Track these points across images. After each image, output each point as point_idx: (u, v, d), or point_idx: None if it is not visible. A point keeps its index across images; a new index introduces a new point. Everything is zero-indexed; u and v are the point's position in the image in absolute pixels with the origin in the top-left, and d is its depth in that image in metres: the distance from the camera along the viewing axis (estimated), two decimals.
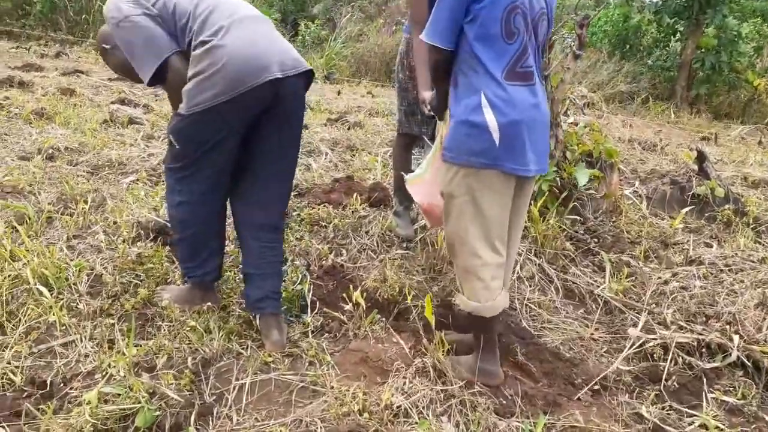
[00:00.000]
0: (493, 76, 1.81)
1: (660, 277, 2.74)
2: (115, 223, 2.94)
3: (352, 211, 3.22)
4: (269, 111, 2.12)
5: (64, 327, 2.19)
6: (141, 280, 2.50)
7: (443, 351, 2.15)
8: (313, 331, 2.33)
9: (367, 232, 3.09)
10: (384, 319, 2.41)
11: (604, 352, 2.48)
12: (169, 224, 2.80)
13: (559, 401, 2.10)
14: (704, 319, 2.40)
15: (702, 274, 2.76)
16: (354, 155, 4.48)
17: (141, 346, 2.12)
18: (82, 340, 2.15)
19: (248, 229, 2.29)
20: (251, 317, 2.31)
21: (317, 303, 2.49)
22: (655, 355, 2.31)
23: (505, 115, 1.80)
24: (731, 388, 2.18)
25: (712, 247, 3.33)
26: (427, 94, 2.54)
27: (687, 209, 3.60)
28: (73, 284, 2.40)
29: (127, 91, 6.56)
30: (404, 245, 3.02)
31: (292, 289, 2.51)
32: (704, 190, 3.68)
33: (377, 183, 3.60)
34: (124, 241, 2.77)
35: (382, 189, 3.49)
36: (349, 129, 5.49)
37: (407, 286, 2.64)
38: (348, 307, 2.32)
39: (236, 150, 2.17)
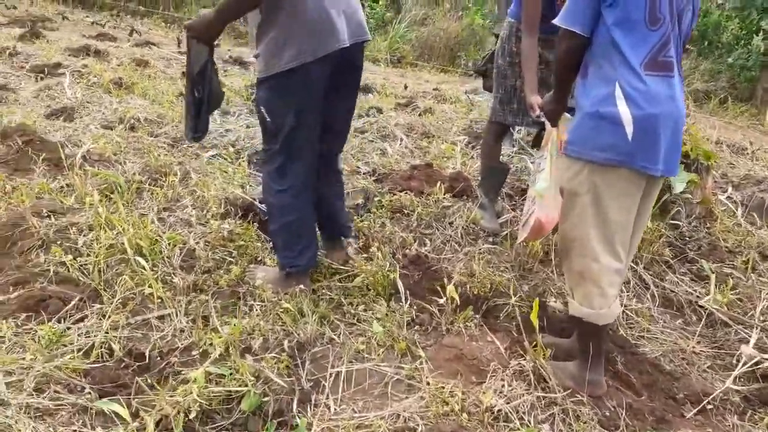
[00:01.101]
0: (631, 66, 1.69)
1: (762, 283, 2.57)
2: (202, 198, 2.94)
3: (435, 201, 3.13)
4: (341, 71, 2.18)
5: (159, 300, 2.20)
6: (233, 257, 2.49)
7: (544, 355, 2.06)
8: (404, 323, 2.26)
9: (450, 223, 3.00)
10: (477, 316, 2.32)
11: (707, 367, 2.34)
12: (259, 205, 2.79)
13: (667, 418, 1.99)
14: None
15: None
16: (430, 142, 4.38)
17: (235, 325, 2.10)
18: (177, 315, 2.15)
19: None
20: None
21: (407, 293, 2.42)
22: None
23: (641, 108, 1.68)
24: None
25: None
26: (535, 99, 2.44)
27: None
28: (167, 257, 2.41)
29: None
30: (490, 239, 2.92)
31: (379, 272, 2.43)
32: None
33: (458, 172, 3.51)
34: (212, 217, 2.77)
35: (464, 179, 3.40)
36: (420, 115, 5.38)
37: (497, 283, 2.55)
38: (442, 300, 2.24)
39: (321, 114, 2.22)
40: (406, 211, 3.07)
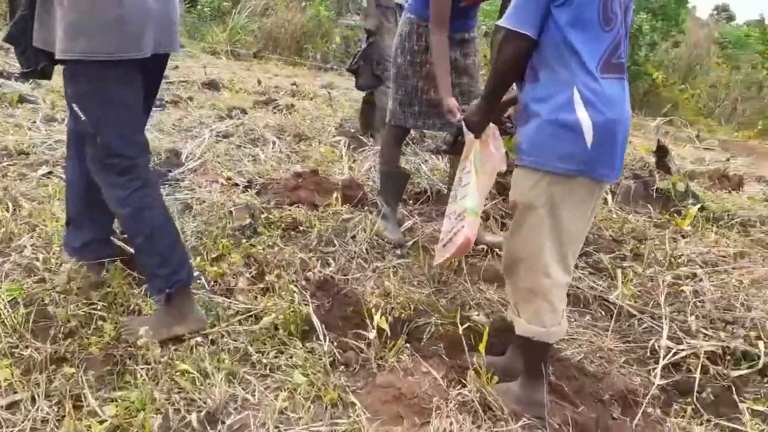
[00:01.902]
0: (588, 69, 1.55)
1: (663, 280, 2.66)
2: (44, 233, 2.35)
3: (333, 213, 2.84)
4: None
5: (6, 382, 1.66)
6: (100, 311, 1.98)
7: (488, 380, 1.89)
8: (327, 366, 1.96)
9: (353, 238, 2.74)
10: (407, 345, 2.09)
11: (623, 362, 2.35)
12: (121, 232, 2.28)
13: (611, 426, 1.93)
14: (723, 324, 2.34)
15: (703, 274, 2.72)
16: (309, 144, 4.05)
17: (120, 402, 1.65)
18: (35, 400, 1.64)
19: None
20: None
21: (321, 327, 2.11)
22: (688, 367, 2.21)
23: (602, 113, 1.55)
24: (759, 396, 2.13)
25: (677, 242, 3.35)
26: (453, 101, 2.26)
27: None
28: (9, 321, 1.84)
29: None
30: (397, 252, 2.71)
31: (290, 309, 2.11)
32: (667, 184, 3.71)
33: (351, 179, 3.25)
34: (58, 258, 2.21)
35: (357, 186, 3.14)
36: (283, 113, 5.01)
37: (415, 301, 2.34)
38: (371, 334, 1.97)
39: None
40: (301, 228, 2.74)
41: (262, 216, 2.83)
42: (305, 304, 2.18)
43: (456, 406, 1.84)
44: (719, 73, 10.28)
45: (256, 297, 2.25)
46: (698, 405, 2.07)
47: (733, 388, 2.12)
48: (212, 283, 2.29)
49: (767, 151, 8.39)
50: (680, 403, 2.11)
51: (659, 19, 10.69)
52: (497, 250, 2.76)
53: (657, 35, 10.60)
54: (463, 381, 1.95)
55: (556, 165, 1.58)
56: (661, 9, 10.76)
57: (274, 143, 3.95)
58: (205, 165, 3.45)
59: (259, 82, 7.11)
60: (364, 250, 2.67)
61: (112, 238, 2.22)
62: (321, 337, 2.04)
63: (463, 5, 2.48)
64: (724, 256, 3.14)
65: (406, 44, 2.56)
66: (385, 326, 1.99)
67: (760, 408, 2.05)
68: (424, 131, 4.16)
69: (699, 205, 3.53)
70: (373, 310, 2.11)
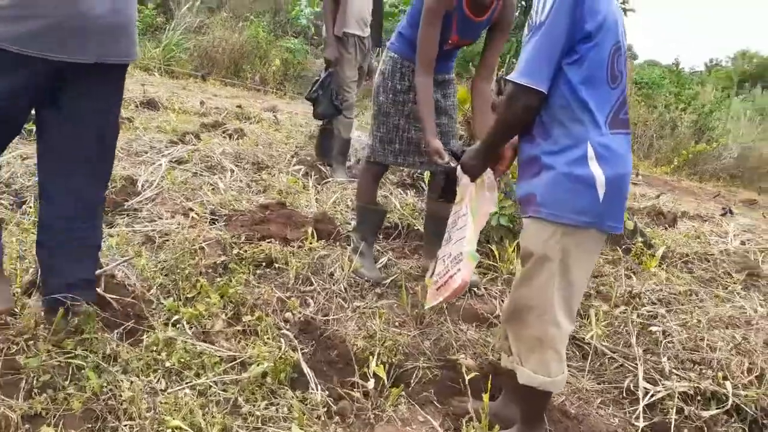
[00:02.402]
0: (599, 125, 1.60)
1: (632, 320, 2.77)
2: None
3: (308, 249, 2.75)
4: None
5: None
6: (76, 359, 1.80)
7: (486, 426, 1.88)
8: (323, 418, 1.88)
9: (331, 275, 2.66)
10: (402, 393, 2.04)
11: (600, 403, 2.41)
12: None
13: None
14: (692, 365, 2.46)
15: (666, 313, 2.85)
16: (271, 174, 3.93)
17: None
18: None
19: None
20: None
21: (312, 375, 2.03)
22: (663, 407, 2.29)
23: (612, 167, 1.60)
24: None
25: (632, 278, 3.51)
26: (438, 144, 2.27)
27: None
28: None
29: None
30: (377, 290, 2.66)
31: (279, 355, 2.01)
32: None
33: (323, 213, 3.17)
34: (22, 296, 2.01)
35: (329, 221, 3.08)
36: (234, 138, 4.86)
37: (401, 344, 2.30)
38: (370, 384, 1.91)
39: None
40: (276, 265, 2.64)
41: (233, 252, 2.70)
42: (293, 350, 2.09)
43: None
44: (638, 111, 10.98)
45: (239, 341, 2.13)
46: None
47: (705, 429, 2.22)
48: (187, 325, 2.15)
49: (683, 187, 9.04)
50: None
51: None
52: (475, 289, 2.78)
53: None
54: (460, 430, 1.93)
55: (571, 218, 1.61)
56: None
57: (232, 171, 3.81)
58: (162, 194, 3.27)
59: (202, 103, 6.89)
60: (343, 289, 2.61)
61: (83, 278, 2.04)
62: (313, 386, 1.96)
63: (447, 48, 2.52)
64: (675, 294, 3.32)
65: (389, 83, 2.56)
66: (383, 374, 1.94)
67: None
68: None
69: (643, 241, 3.72)
70: (369, 356, 2.06)
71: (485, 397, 1.85)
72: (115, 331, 2.04)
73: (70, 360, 1.77)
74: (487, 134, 1.83)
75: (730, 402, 2.27)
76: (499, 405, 2.07)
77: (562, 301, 1.70)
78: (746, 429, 2.24)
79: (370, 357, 2.15)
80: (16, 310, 1.96)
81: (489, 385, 1.85)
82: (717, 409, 2.27)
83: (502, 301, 2.77)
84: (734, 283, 3.68)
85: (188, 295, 2.33)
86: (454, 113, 2.70)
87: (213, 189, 3.52)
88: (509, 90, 1.65)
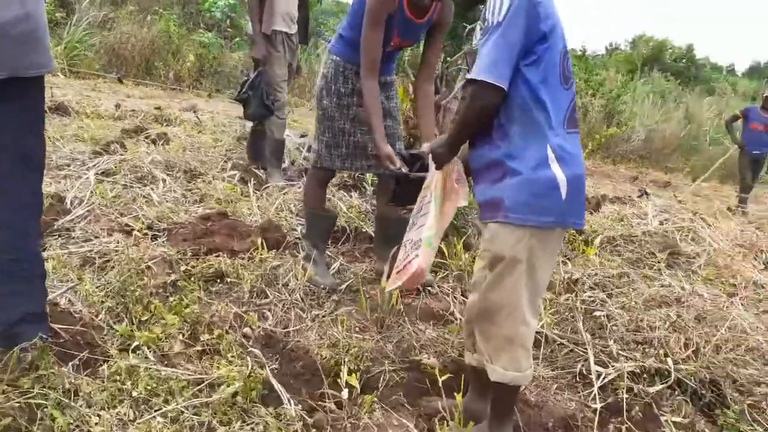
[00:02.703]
0: (556, 125, 1.67)
1: (576, 306, 2.91)
2: None
3: (260, 260, 2.69)
4: None
5: None
6: (35, 398, 1.68)
7: (460, 426, 1.93)
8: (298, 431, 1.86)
9: (285, 286, 2.62)
10: (375, 399, 2.05)
11: (556, 389, 2.53)
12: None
13: None
14: (636, 345, 2.63)
15: (606, 297, 3.02)
16: (205, 181, 3.79)
17: None
18: None
19: None
20: None
21: (283, 390, 2.00)
22: (613, 388, 2.43)
23: (571, 168, 1.68)
24: (674, 408, 2.42)
25: (567, 265, 3.70)
26: (389, 149, 2.27)
27: None
28: None
29: None
30: (333, 297, 2.65)
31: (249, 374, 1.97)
32: None
33: (269, 221, 3.10)
34: None
35: (276, 229, 3.02)
36: (160, 144, 4.64)
37: (365, 349, 2.31)
38: (344, 393, 1.91)
39: None
40: (228, 279, 2.56)
41: (181, 269, 2.60)
42: (260, 366, 2.05)
43: None
44: None
45: (201, 362, 2.07)
46: (630, 423, 2.29)
47: (653, 404, 2.39)
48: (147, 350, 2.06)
49: (600, 171, 9.58)
50: (614, 423, 2.31)
51: None
52: (429, 288, 2.83)
53: None
54: (434, 429, 1.97)
55: (539, 220, 1.68)
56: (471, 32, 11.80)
57: (164, 181, 3.65)
58: (94, 211, 3.08)
59: (118, 106, 6.52)
60: (300, 299, 2.58)
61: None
62: (286, 401, 1.93)
63: (389, 50, 2.52)
64: (609, 277, 3.52)
65: (332, 86, 2.54)
66: (355, 383, 1.94)
67: (678, 419, 2.33)
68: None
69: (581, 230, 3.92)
70: (335, 365, 2.05)
71: (458, 396, 1.90)
72: (70, 363, 1.92)
73: (29, 400, 1.65)
74: (452, 128, 1.86)
75: (672, 377, 2.45)
76: (467, 401, 2.12)
77: (529, 300, 1.77)
78: (688, 400, 2.43)
79: (337, 366, 2.15)
80: None
81: (461, 383, 1.89)
82: (661, 384, 2.44)
83: (455, 297, 2.84)
84: (659, 262, 3.95)
85: (141, 318, 2.22)
86: (398, 115, 2.72)
87: (147, 201, 3.36)
88: (470, 89, 1.68)
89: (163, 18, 11.03)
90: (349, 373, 1.98)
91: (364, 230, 3.24)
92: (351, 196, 3.63)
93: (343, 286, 2.73)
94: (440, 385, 1.98)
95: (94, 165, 3.62)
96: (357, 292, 2.68)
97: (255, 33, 4.21)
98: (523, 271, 1.72)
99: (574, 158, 1.71)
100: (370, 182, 3.78)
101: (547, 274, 1.81)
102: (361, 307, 2.54)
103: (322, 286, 2.68)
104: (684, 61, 24.69)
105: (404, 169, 2.17)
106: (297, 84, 10.42)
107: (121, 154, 3.90)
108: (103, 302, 2.32)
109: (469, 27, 3.77)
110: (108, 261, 2.64)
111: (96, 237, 2.82)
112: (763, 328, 2.91)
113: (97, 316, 2.26)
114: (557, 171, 1.65)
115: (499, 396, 1.93)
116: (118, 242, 2.76)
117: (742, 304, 3.22)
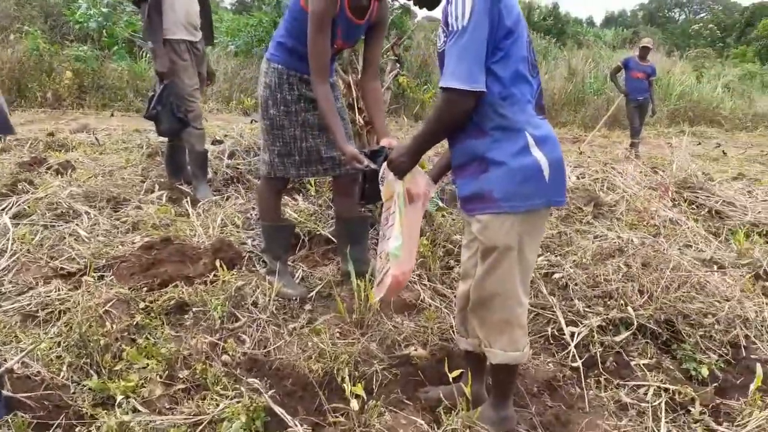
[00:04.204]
0: (531, 114, 1.71)
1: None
2: None
3: (222, 283, 2.57)
4: None
5: None
6: None
7: (467, 412, 1.97)
8: None
9: (255, 305, 2.53)
10: (379, 403, 2.04)
11: (533, 354, 2.64)
12: None
13: (567, 417, 2.16)
14: (597, 300, 2.78)
15: (558, 258, 3.16)
16: (133, 208, 3.53)
17: None
18: None
19: None
20: None
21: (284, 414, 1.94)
22: (584, 343, 2.57)
23: (551, 150, 1.73)
24: (641, 352, 2.60)
25: None
26: (352, 149, 2.23)
27: None
28: None
29: None
30: (307, 306, 2.59)
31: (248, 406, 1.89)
32: None
33: (220, 239, 2.96)
34: None
35: (229, 246, 2.89)
36: (67, 174, 4.28)
37: (351, 354, 2.29)
38: (354, 404, 1.88)
39: None
40: (193, 309, 2.43)
41: (140, 306, 2.44)
42: (256, 393, 1.97)
43: None
44: None
45: (192, 401, 1.96)
46: (607, 374, 2.44)
47: (623, 352, 2.55)
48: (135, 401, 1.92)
49: None
50: (592, 376, 2.45)
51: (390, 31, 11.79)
52: None
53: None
54: (441, 420, 2.00)
55: (527, 204, 1.72)
56: (392, 24, 11.91)
57: (88, 214, 3.37)
58: (19, 259, 2.81)
59: (2, 137, 5.91)
60: (273, 315, 2.50)
61: None
62: (293, 424, 1.88)
63: (332, 53, 2.47)
64: (549, 237, 3.70)
65: (278, 95, 2.45)
66: (361, 392, 1.92)
67: (645, 361, 2.51)
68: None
69: None
70: (334, 377, 2.02)
71: (467, 387, 1.93)
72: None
73: None
74: (420, 135, 1.84)
75: (635, 324, 2.62)
76: (458, 387, 2.16)
77: (522, 281, 1.82)
78: (650, 342, 2.62)
79: (328, 376, 2.13)
80: None
81: (449, 370, 1.93)
82: (626, 332, 2.61)
83: (424, 285, 2.87)
84: (586, 215, 4.20)
85: (113, 368, 2.07)
86: (346, 114, 2.68)
87: (76, 239, 3.10)
88: (444, 96, 1.67)
89: (30, 35, 10.08)
90: (347, 383, 1.95)
91: (318, 233, 3.17)
92: (296, 200, 3.54)
93: (313, 293, 2.67)
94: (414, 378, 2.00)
95: (4, 209, 3.28)
96: (328, 298, 2.64)
97: (155, 47, 3.97)
98: (515, 256, 1.76)
99: (553, 141, 1.76)
100: (312, 183, 3.70)
101: (535, 254, 1.86)
102: (339, 312, 2.50)
103: (292, 298, 2.61)
104: (551, 18, 26.06)
105: (373, 166, 2.14)
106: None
107: (32, 192, 3.56)
108: (60, 358, 2.14)
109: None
110: (51, 312, 2.43)
111: (31, 288, 2.58)
112: (697, 263, 3.19)
113: (58, 374, 2.07)
114: (538, 155, 1.70)
115: (500, 377, 1.98)
116: (59, 290, 2.54)
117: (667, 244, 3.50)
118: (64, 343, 2.18)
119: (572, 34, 23.98)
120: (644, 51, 8.61)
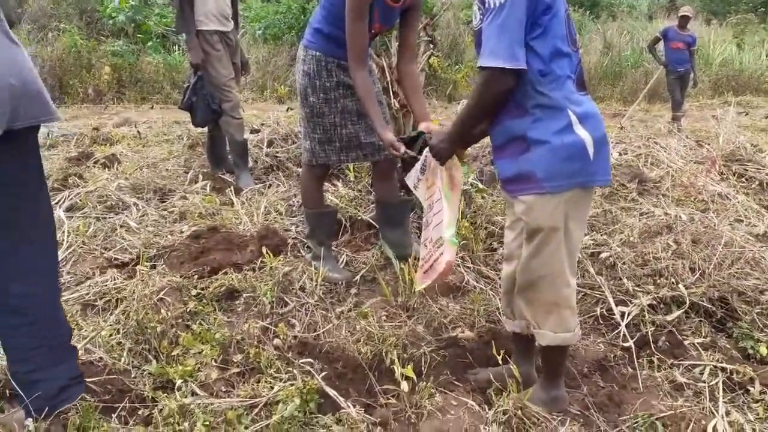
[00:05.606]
0: (572, 91, 1.68)
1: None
2: None
3: (270, 269, 2.62)
4: None
5: None
6: None
7: (517, 393, 1.96)
8: None
9: (302, 289, 2.57)
10: (430, 385, 2.05)
11: (583, 335, 2.60)
12: None
13: (620, 398, 2.14)
14: (646, 278, 2.73)
15: (604, 238, 3.11)
16: (179, 198, 3.62)
17: None
18: None
19: None
20: None
21: (337, 396, 1.98)
22: (635, 322, 2.53)
23: (595, 128, 1.70)
24: (694, 330, 2.54)
25: None
26: (391, 135, 2.23)
27: None
28: None
29: None
30: (352, 290, 2.62)
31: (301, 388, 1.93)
32: None
33: (266, 227, 3.01)
34: None
35: (274, 233, 2.94)
36: (114, 167, 4.40)
37: (399, 336, 2.31)
38: (405, 385, 1.90)
39: None
40: (244, 295, 2.49)
41: (192, 294, 2.50)
42: (308, 375, 2.01)
43: (501, 429, 1.89)
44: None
45: (247, 384, 2.01)
46: (660, 354, 2.39)
47: (675, 331, 2.50)
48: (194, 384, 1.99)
49: None
50: (644, 356, 2.41)
51: None
52: None
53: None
54: (491, 400, 2.00)
55: (570, 183, 1.69)
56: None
57: (137, 206, 3.47)
58: (75, 251, 2.91)
59: (48, 134, 6.11)
60: (320, 299, 2.54)
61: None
62: (346, 406, 1.91)
63: (369, 38, 2.47)
64: (594, 217, 3.63)
65: (317, 82, 2.46)
66: (411, 374, 1.94)
67: (700, 340, 2.46)
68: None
69: None
70: (383, 359, 2.04)
71: (515, 367, 1.93)
72: (113, 415, 1.83)
73: None
74: (460, 118, 1.83)
75: (687, 302, 2.57)
76: (508, 367, 2.16)
77: (569, 262, 1.80)
78: (704, 320, 2.56)
79: (378, 358, 2.15)
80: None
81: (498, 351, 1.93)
82: (678, 311, 2.56)
83: (467, 267, 2.87)
84: (630, 192, 4.11)
85: (171, 353, 2.14)
86: (383, 99, 2.68)
87: (127, 230, 3.20)
88: (484, 75, 1.65)
89: (67, 33, 10.33)
90: (400, 364, 1.97)
91: (359, 218, 3.20)
92: (336, 186, 3.57)
93: (358, 277, 2.70)
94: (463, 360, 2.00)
95: (58, 203, 3.40)
96: (373, 281, 2.66)
97: (188, 39, 4.03)
98: (561, 237, 1.74)
99: (596, 117, 1.73)
100: (351, 168, 3.72)
101: (581, 234, 1.84)
102: (384, 295, 2.52)
103: (338, 282, 2.65)
104: None
105: (410, 153, 2.15)
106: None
107: (83, 186, 3.67)
108: (120, 344, 2.22)
109: None
110: (109, 301, 2.52)
111: (88, 278, 2.68)
112: (751, 238, 3.10)
113: (119, 360, 2.16)
114: (582, 133, 1.67)
115: (550, 358, 1.98)
116: (114, 279, 2.63)
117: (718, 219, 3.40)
118: (122, 330, 2.26)
119: (606, 6, 23.27)
120: (684, 20, 8.29)
